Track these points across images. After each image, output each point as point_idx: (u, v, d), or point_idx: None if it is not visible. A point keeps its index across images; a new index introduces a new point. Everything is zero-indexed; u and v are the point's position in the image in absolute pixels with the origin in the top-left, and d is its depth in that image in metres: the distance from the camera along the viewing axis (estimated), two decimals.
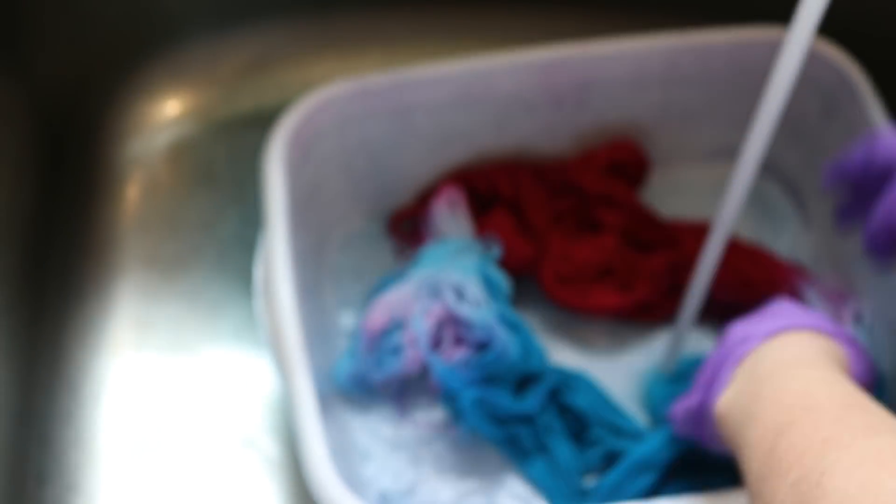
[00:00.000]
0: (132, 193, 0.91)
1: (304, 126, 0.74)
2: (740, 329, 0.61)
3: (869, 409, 0.48)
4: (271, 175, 0.71)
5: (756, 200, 0.88)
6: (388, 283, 0.78)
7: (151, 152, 0.94)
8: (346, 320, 0.81)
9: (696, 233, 0.83)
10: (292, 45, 0.97)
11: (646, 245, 0.83)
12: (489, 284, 0.75)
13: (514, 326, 0.74)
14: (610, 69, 0.80)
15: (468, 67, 0.78)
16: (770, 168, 0.89)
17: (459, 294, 0.74)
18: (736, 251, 0.82)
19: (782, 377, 0.53)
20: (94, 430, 0.80)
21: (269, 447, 0.79)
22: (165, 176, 0.92)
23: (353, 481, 0.71)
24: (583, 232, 0.83)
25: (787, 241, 0.87)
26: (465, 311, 0.72)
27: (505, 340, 0.72)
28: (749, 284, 0.80)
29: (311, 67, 0.98)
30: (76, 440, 0.79)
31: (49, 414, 0.80)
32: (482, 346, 0.72)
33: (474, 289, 0.73)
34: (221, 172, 0.92)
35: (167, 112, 0.95)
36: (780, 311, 0.61)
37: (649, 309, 0.81)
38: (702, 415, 0.61)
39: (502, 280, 0.76)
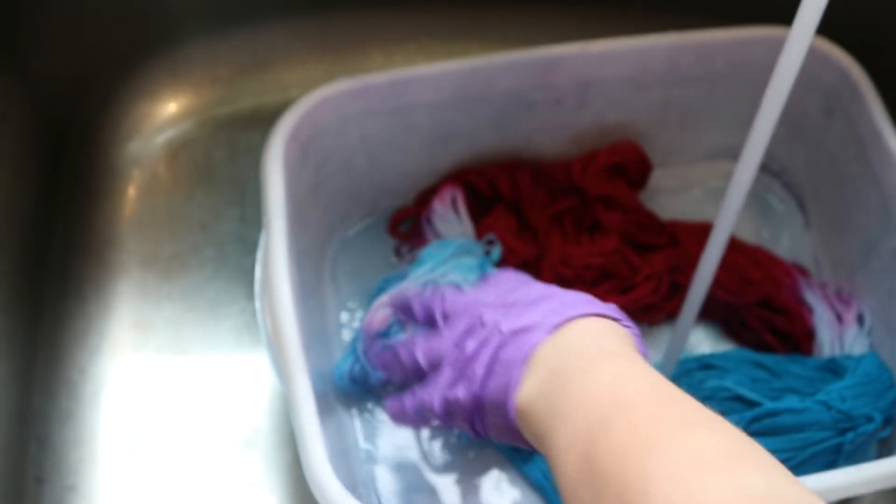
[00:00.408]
0: (132, 193, 0.91)
1: (303, 126, 0.74)
2: (515, 315, 0.56)
3: (680, 399, 0.46)
4: (271, 175, 0.71)
5: (756, 200, 0.88)
6: (389, 283, 0.78)
7: (151, 152, 0.94)
8: (346, 320, 0.81)
9: (697, 233, 0.83)
10: (292, 45, 0.97)
11: (646, 246, 0.83)
12: None
13: None
14: (610, 69, 0.80)
15: (468, 67, 0.78)
16: (770, 168, 0.89)
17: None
18: (736, 251, 0.82)
19: (588, 371, 0.49)
20: (93, 431, 0.79)
21: (268, 448, 0.79)
22: (165, 176, 0.92)
23: (353, 482, 0.71)
24: (583, 233, 0.83)
25: (787, 241, 0.86)
26: None
27: None
28: (749, 284, 0.80)
29: (311, 67, 0.98)
30: (75, 440, 0.79)
31: (48, 414, 0.80)
32: None
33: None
34: (221, 172, 0.92)
35: (167, 112, 0.95)
36: (557, 297, 0.56)
37: (650, 309, 0.81)
38: (478, 408, 0.56)
39: None
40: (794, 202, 0.88)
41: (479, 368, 0.56)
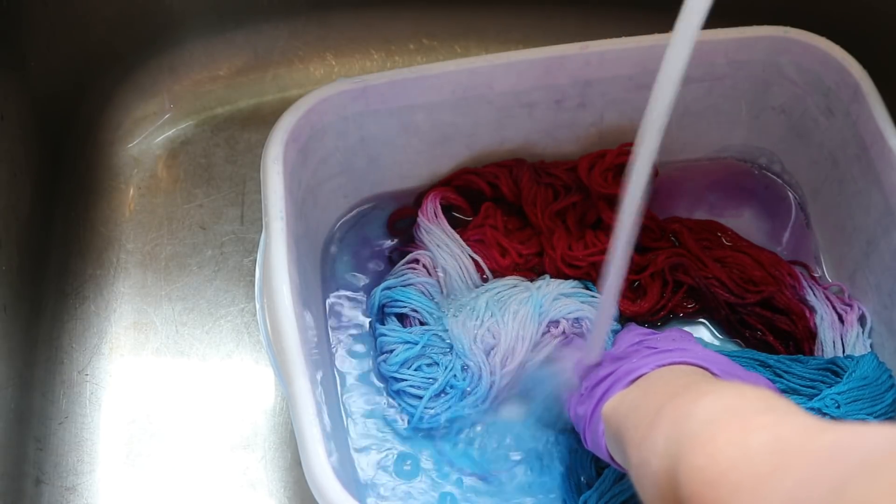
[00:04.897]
0: (132, 193, 0.91)
1: (303, 126, 0.74)
2: (635, 357, 0.66)
3: (730, 385, 0.55)
4: (271, 175, 0.71)
5: (757, 200, 0.88)
6: (389, 293, 0.79)
7: (151, 152, 0.94)
8: (346, 320, 0.81)
9: (697, 232, 0.83)
10: (292, 45, 0.97)
11: (647, 248, 0.83)
12: None
13: None
14: (610, 69, 0.79)
15: (468, 67, 0.77)
16: (771, 168, 0.89)
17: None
18: (737, 251, 0.82)
19: (662, 386, 0.59)
20: (92, 432, 0.79)
21: (268, 448, 0.79)
22: (165, 176, 0.92)
23: (354, 482, 0.71)
24: (585, 229, 0.83)
25: (788, 240, 0.86)
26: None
27: None
28: (751, 284, 0.80)
29: (311, 67, 0.98)
30: (75, 441, 0.79)
31: (48, 415, 0.80)
32: None
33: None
34: (221, 172, 0.92)
35: (167, 112, 0.95)
36: (678, 345, 0.66)
37: (654, 311, 0.81)
38: (590, 419, 0.65)
39: None
40: (795, 202, 0.88)
41: (598, 392, 0.65)
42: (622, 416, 0.59)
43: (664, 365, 0.63)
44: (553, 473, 0.74)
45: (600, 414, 0.63)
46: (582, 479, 0.73)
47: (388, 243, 0.84)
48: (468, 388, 0.75)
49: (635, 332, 0.72)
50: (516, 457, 0.75)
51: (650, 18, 0.82)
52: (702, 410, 0.47)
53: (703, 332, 0.81)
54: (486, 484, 0.74)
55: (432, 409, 0.75)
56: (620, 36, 0.79)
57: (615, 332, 0.78)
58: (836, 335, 0.79)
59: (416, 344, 0.76)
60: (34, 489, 0.77)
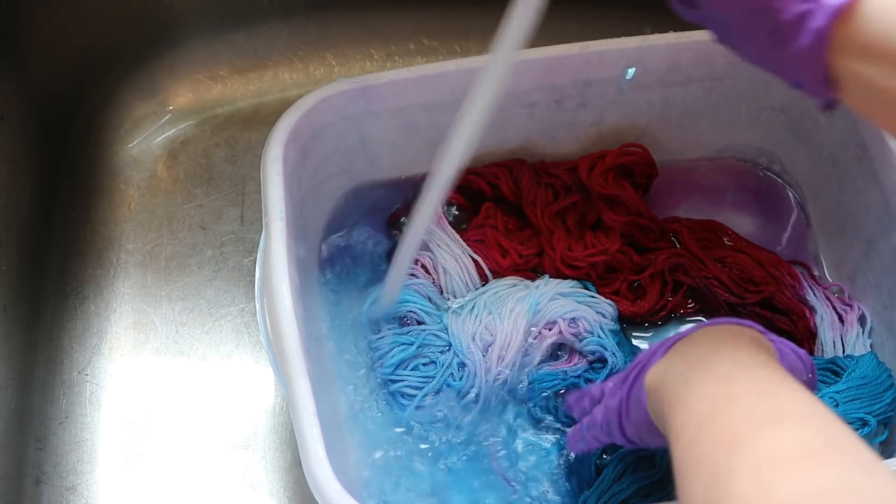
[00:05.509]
0: (132, 193, 0.91)
1: (303, 126, 0.74)
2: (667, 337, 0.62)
3: (782, 394, 0.49)
4: (271, 176, 0.71)
5: (757, 200, 0.88)
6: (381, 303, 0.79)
7: (151, 152, 0.94)
8: (345, 320, 0.81)
9: (697, 232, 0.83)
10: (292, 45, 0.97)
11: (647, 249, 0.83)
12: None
13: None
14: (610, 69, 0.79)
15: (468, 67, 0.77)
16: (772, 168, 0.89)
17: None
18: (738, 251, 0.82)
19: (711, 361, 0.53)
20: (92, 432, 0.79)
21: (268, 448, 0.79)
22: (165, 176, 0.92)
23: (353, 482, 0.71)
24: (585, 230, 0.83)
25: (788, 240, 0.86)
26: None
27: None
28: (751, 284, 0.80)
29: (311, 67, 0.98)
30: (75, 441, 0.79)
31: (47, 415, 0.80)
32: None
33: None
34: (221, 172, 0.92)
35: (167, 112, 0.95)
36: (712, 320, 0.62)
37: (653, 311, 0.81)
38: (625, 409, 0.61)
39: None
40: (795, 202, 0.88)
41: (631, 376, 0.61)
42: (667, 404, 0.54)
43: (703, 327, 0.59)
44: (552, 475, 0.74)
45: (641, 387, 0.58)
46: (581, 478, 0.73)
47: (389, 243, 0.84)
48: (463, 388, 0.75)
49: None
50: (515, 457, 0.75)
51: (650, 18, 0.82)
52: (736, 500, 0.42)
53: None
54: (485, 483, 0.74)
55: (425, 405, 0.75)
56: (620, 36, 0.79)
57: (613, 332, 0.78)
58: (836, 335, 0.79)
59: (411, 345, 0.76)
60: (34, 489, 0.77)
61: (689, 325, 0.62)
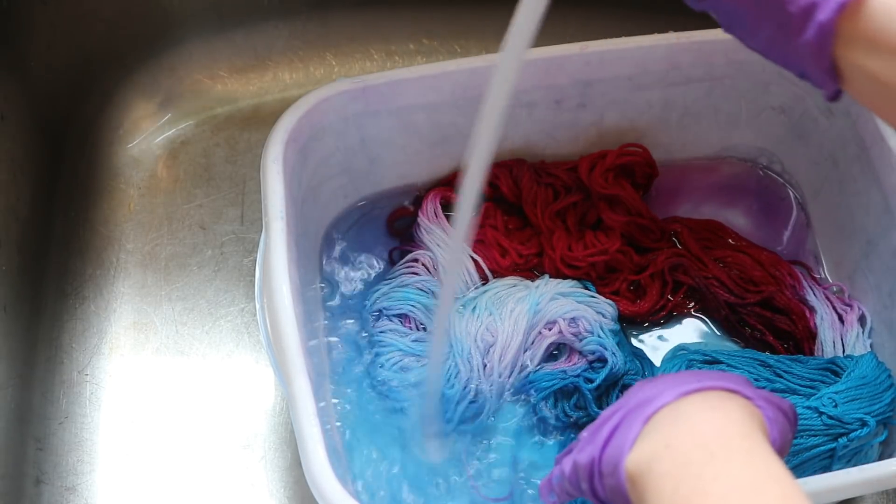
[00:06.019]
0: (131, 193, 0.91)
1: (303, 126, 0.74)
2: (648, 388, 0.55)
3: (768, 491, 0.46)
4: (270, 176, 0.71)
5: (757, 200, 0.88)
6: (382, 294, 0.79)
7: (151, 152, 0.94)
8: (346, 320, 0.81)
9: (697, 232, 0.83)
10: (292, 45, 0.97)
11: (647, 249, 0.83)
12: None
13: None
14: (610, 69, 0.79)
15: (468, 67, 0.77)
16: (772, 168, 0.89)
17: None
18: (738, 251, 0.82)
19: (700, 472, 0.48)
20: (92, 432, 0.79)
21: (268, 448, 0.79)
22: (165, 176, 0.92)
23: (353, 482, 0.71)
24: (585, 229, 0.83)
25: (788, 240, 0.86)
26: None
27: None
28: (751, 284, 0.80)
29: (311, 67, 0.98)
30: (75, 441, 0.79)
31: (47, 415, 0.80)
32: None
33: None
34: (221, 172, 0.92)
35: (167, 112, 0.95)
36: (694, 375, 0.55)
37: (653, 311, 0.81)
38: (599, 471, 0.55)
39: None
40: (795, 202, 0.88)
41: (605, 431, 0.55)
42: (651, 494, 0.49)
43: (685, 394, 0.53)
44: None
45: (621, 466, 0.52)
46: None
47: (389, 243, 0.84)
48: (462, 394, 0.75)
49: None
50: (515, 457, 0.75)
51: (650, 18, 0.82)
52: None
53: (704, 331, 0.81)
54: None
55: (423, 411, 0.75)
56: (620, 36, 0.79)
57: (613, 332, 0.78)
58: (836, 335, 0.79)
59: (412, 354, 0.76)
60: (34, 489, 0.77)
61: (660, 374, 0.56)
